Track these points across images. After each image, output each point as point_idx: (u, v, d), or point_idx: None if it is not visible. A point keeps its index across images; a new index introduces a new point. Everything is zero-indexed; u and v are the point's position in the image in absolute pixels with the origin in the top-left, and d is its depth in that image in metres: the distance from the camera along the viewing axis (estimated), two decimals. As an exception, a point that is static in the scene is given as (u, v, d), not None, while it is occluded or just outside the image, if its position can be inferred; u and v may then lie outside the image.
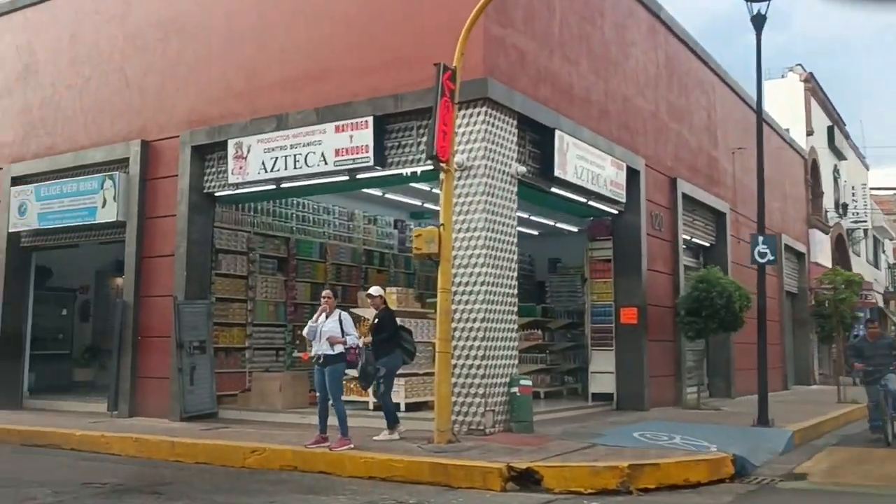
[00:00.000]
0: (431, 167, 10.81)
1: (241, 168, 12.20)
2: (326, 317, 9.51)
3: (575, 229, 18.72)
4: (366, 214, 16.77)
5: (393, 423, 9.93)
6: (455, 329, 10.05)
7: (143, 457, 10.11)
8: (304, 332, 9.71)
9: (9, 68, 15.51)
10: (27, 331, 15.00)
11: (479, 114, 10.52)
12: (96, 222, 13.58)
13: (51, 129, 14.70)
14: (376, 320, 10.06)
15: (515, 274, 11.02)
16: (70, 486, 8.16)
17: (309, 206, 15.31)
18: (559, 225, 17.66)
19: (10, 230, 14.67)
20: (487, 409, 10.09)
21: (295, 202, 14.98)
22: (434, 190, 15.41)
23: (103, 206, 13.46)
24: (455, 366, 9.94)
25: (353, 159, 11.23)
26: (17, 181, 14.79)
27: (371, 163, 11.11)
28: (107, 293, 18.10)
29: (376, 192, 15.72)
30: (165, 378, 12.46)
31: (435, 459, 8.41)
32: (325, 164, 11.45)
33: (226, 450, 9.60)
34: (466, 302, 10.31)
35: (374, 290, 10.31)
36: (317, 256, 15.29)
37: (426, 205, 17.13)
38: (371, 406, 11.65)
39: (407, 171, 11.17)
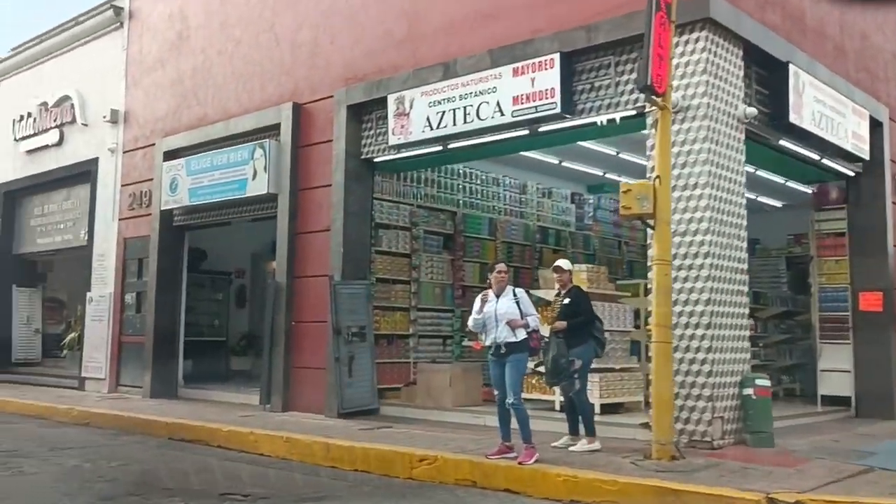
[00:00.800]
0: (632, 112, 8.76)
1: (402, 127, 10.51)
2: (497, 297, 7.62)
3: (778, 204, 15.99)
4: (539, 187, 14.78)
5: (592, 429, 7.91)
6: (672, 313, 7.87)
7: (294, 459, 8.62)
8: (471, 324, 7.82)
9: (161, 38, 14.66)
10: (181, 316, 14.09)
11: (697, 40, 8.28)
12: (247, 196, 12.36)
13: (202, 99, 13.68)
14: (567, 300, 8.05)
15: (745, 244, 8.68)
16: (206, 497, 6.73)
17: (477, 177, 13.50)
18: (760, 199, 15.03)
19: (162, 208, 13.78)
20: (716, 415, 7.86)
21: (462, 172, 13.21)
22: (621, 155, 13.34)
23: (254, 177, 12.21)
24: (673, 360, 7.77)
25: (536, 107, 9.26)
26: (169, 156, 13.89)
27: (557, 109, 9.11)
28: (263, 277, 17.03)
29: (552, 159, 13.78)
30: (321, 369, 11.01)
31: (661, 482, 6.33)
32: (501, 115, 9.55)
33: (389, 456, 7.91)
34: (686, 279, 8.10)
35: (564, 262, 8.32)
36: (486, 233, 13.46)
37: (608, 175, 14.99)
38: (557, 406, 9.70)
39: (602, 118, 9.08)
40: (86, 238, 15.89)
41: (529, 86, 9.29)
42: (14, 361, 17.97)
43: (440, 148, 10.49)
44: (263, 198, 12.23)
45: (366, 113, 11.31)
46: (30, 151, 17.48)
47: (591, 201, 15.82)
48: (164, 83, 14.47)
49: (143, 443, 9.93)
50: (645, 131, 8.57)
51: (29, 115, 17.52)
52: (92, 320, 15.15)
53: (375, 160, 11.33)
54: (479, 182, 13.49)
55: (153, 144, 14.36)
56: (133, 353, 14.25)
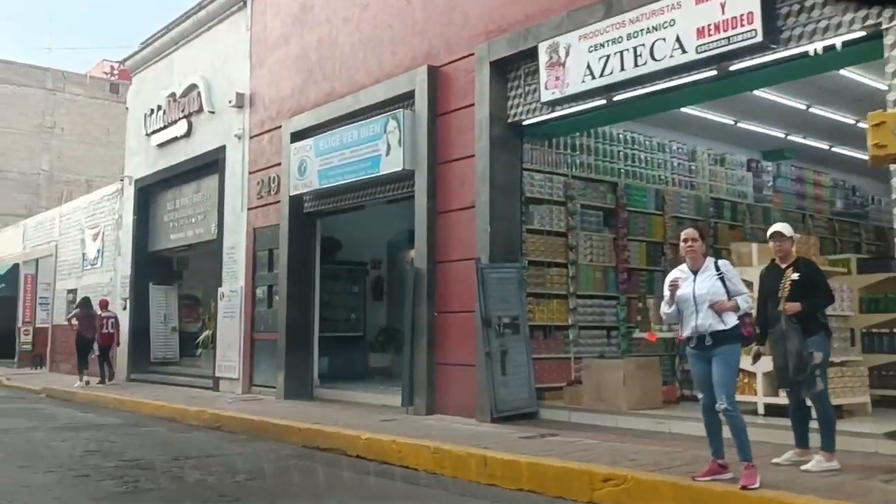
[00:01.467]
0: (859, 34, 6.79)
1: (557, 79, 8.88)
2: (694, 274, 5.89)
3: None
4: (710, 153, 12.78)
5: (832, 443, 6.05)
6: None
7: (444, 474, 7.19)
8: (664, 311, 6.10)
9: (285, 13, 13.64)
10: (315, 310, 13.02)
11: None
12: (380, 174, 11.08)
13: (328, 72, 12.53)
14: (795, 275, 6.19)
15: None
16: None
17: (640, 142, 11.69)
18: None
19: (291, 193, 12.74)
20: None
21: (622, 137, 11.44)
22: (812, 109, 11.24)
23: (387, 153, 10.91)
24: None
25: (728, 37, 7.42)
26: (296, 137, 12.84)
27: (758, 38, 7.23)
28: (401, 268, 15.81)
29: (725, 119, 11.83)
30: (469, 366, 9.55)
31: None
32: (682, 52, 7.77)
33: (563, 474, 6.34)
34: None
35: (785, 227, 6.46)
36: (652, 207, 11.64)
37: (790, 137, 12.84)
38: (760, 409, 7.84)
39: (817, 46, 7.14)
40: (216, 231, 15.16)
41: (719, 12, 7.47)
42: (153, 360, 17.58)
43: (603, 102, 8.79)
44: (399, 175, 10.92)
45: (511, 69, 9.76)
46: (160, 145, 17.00)
47: (769, 169, 13.65)
48: (289, 60, 13.44)
49: (275, 451, 8.79)
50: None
51: (159, 107, 17.05)
52: (224, 317, 14.36)
53: (524, 123, 9.76)
54: (642, 148, 11.67)
55: (279, 127, 13.37)
56: (266, 351, 13.33)
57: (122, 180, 18.61)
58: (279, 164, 13.26)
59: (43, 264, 24.16)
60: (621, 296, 10.98)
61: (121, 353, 18.00)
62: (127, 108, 18.81)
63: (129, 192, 18.23)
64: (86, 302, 17.38)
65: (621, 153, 11.40)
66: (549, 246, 10.34)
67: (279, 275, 13.04)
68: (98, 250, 19.76)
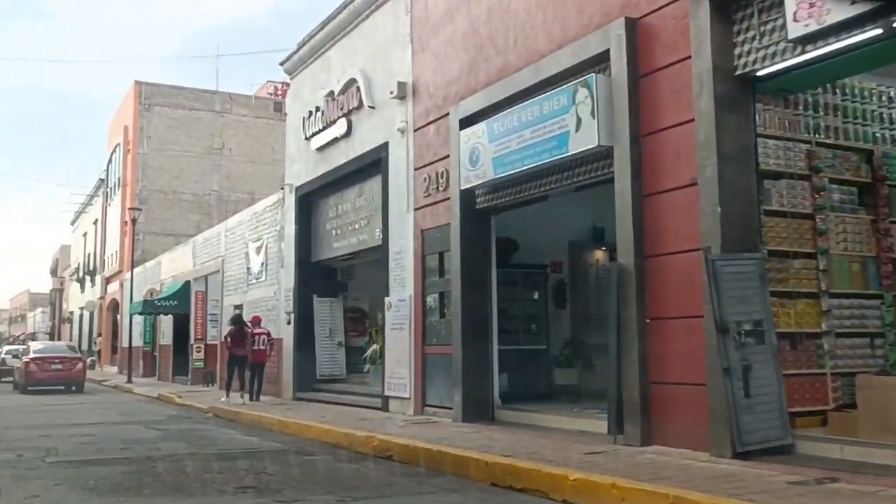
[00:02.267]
0: None
1: (812, 5, 6.74)
2: None
3: None
4: None
5: None
6: None
7: (693, 537, 5.26)
8: None
9: (449, -14, 12.16)
10: (493, 320, 11.35)
11: None
12: (569, 154, 9.26)
13: (502, 45, 10.88)
14: None
15: None
16: None
17: (898, 99, 9.23)
18: None
19: (462, 187, 11.17)
20: None
21: (877, 93, 9.02)
22: None
23: (577, 128, 9.08)
24: None
25: None
26: (465, 123, 11.26)
27: None
28: (584, 271, 13.98)
29: None
30: (698, 385, 7.53)
31: None
32: None
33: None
34: None
35: None
36: (919, 180, 9.13)
37: None
38: None
39: None
40: (380, 236, 13.86)
41: None
42: (318, 378, 16.54)
43: (879, 31, 6.56)
44: (592, 155, 9.08)
45: (739, 6, 7.69)
46: (320, 148, 15.99)
47: None
48: (455, 38, 11.92)
49: (459, 491, 7.16)
50: None
51: (317, 109, 16.06)
52: (392, 329, 12.99)
53: (758, 74, 7.65)
54: (901, 104, 9.20)
55: (446, 114, 11.86)
56: (439, 367, 11.80)
57: (282, 189, 17.80)
58: (447, 156, 11.74)
59: (211, 280, 24.02)
60: (886, 294, 8.57)
61: (286, 371, 17.13)
62: (285, 114, 18.01)
63: (290, 200, 17.38)
64: (237, 319, 17.04)
65: (876, 113, 8.98)
66: (792, 231, 8.12)
67: (451, 280, 11.49)
68: (262, 263, 19.10)
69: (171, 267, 27.95)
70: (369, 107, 14.14)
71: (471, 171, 10.91)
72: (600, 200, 11.91)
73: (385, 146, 13.61)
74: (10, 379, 27.96)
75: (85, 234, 50.15)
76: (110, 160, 43.02)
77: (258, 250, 19.35)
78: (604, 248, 13.97)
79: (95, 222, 46.04)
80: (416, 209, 12.62)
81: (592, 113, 8.85)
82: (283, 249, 17.70)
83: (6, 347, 35.70)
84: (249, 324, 17.03)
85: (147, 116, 37.85)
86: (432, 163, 12.23)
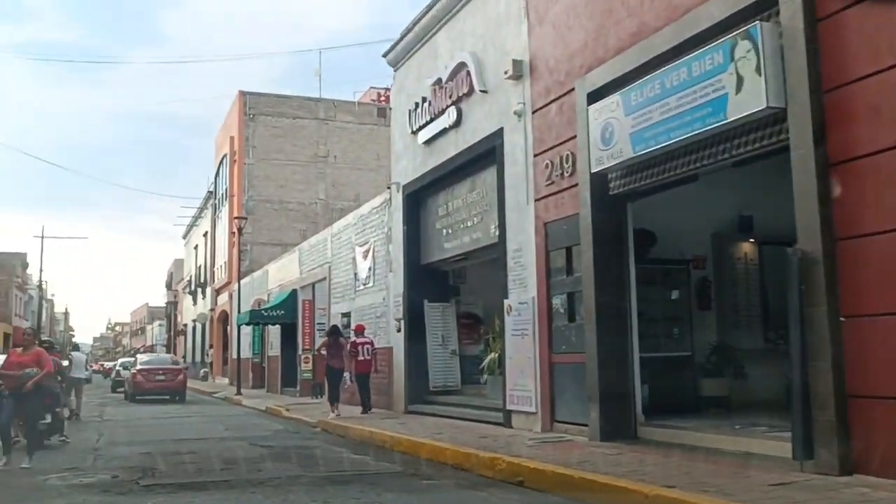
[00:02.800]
0: None
1: None
2: None
3: None
4: None
5: None
6: None
7: None
8: None
9: (569, -52, 10.78)
10: (633, 323, 9.86)
11: None
12: (727, 122, 7.72)
13: (635, 5, 9.42)
14: None
15: None
16: None
17: None
18: None
19: (592, 170, 9.74)
20: None
21: None
22: None
23: (737, 89, 7.53)
24: None
25: None
26: (594, 97, 9.84)
27: None
28: (731, 267, 12.30)
29: None
30: (920, 399, 5.88)
31: None
32: None
33: None
34: None
35: None
36: None
37: None
38: None
39: None
40: (496, 233, 12.59)
41: None
42: (432, 389, 15.37)
43: None
44: (757, 120, 7.52)
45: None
46: (428, 142, 14.86)
47: None
48: (578, 4, 10.53)
49: (616, 532, 5.76)
50: None
51: (423, 100, 14.95)
52: (513, 335, 11.65)
53: None
54: None
55: (571, 90, 10.47)
56: (570, 377, 10.40)
57: (388, 188, 16.77)
58: (573, 137, 10.35)
59: (318, 288, 23.32)
60: None
61: (397, 381, 16.04)
62: (390, 109, 17.00)
63: (398, 200, 16.32)
64: (334, 330, 16.58)
65: None
66: None
67: (582, 279, 10.07)
68: (369, 268, 18.13)
69: (278, 276, 27.49)
70: (481, 91, 12.90)
71: (603, 151, 9.47)
72: (748, 184, 10.39)
73: (499, 133, 12.34)
74: (123, 389, 29.56)
75: (196, 247, 51.02)
76: (217, 172, 43.45)
77: (365, 255, 18.40)
78: (752, 241, 12.27)
79: (205, 235, 46.65)
80: (536, 200, 11.27)
81: (758, 69, 7.30)
82: (391, 252, 16.66)
83: (120, 360, 37.27)
84: (353, 332, 16.57)
85: (252, 126, 37.88)
86: (555, 146, 10.86)
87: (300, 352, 23.61)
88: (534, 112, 11.45)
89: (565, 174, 10.57)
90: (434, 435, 11.09)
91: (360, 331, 16.48)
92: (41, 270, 48.27)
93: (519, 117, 11.77)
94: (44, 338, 23.39)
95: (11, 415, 10.55)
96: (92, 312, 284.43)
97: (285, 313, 24.67)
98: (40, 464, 10.24)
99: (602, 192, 9.84)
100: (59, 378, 13.66)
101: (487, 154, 12.82)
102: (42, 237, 47.08)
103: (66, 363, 16.53)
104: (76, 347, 20.07)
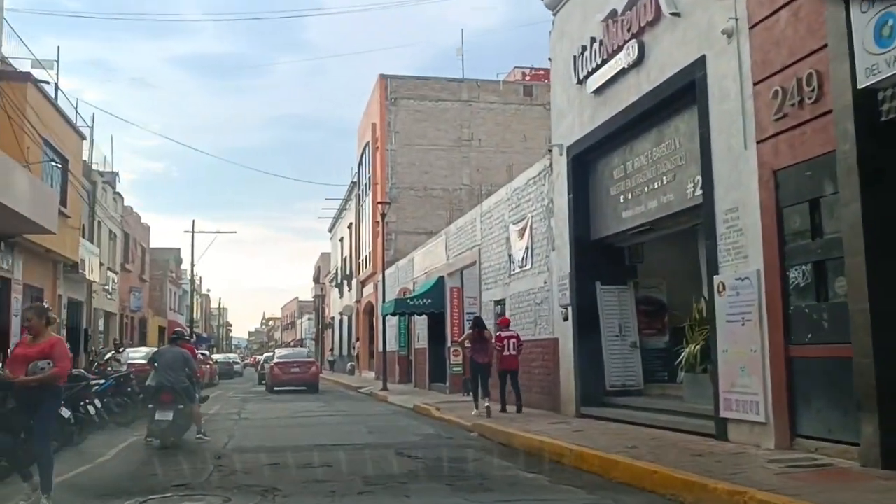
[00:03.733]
0: None
1: None
2: None
3: None
4: None
5: None
6: None
7: None
8: None
9: None
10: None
11: None
12: None
13: None
14: None
15: None
16: None
17: None
18: None
19: (859, 86, 6.91)
20: None
21: None
22: None
23: None
24: None
25: None
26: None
27: None
28: None
29: None
30: None
31: None
32: None
33: None
34: None
35: None
36: None
37: None
38: None
39: None
40: (697, 192, 9.90)
41: None
42: (609, 389, 12.82)
43: None
44: None
45: None
46: (598, 90, 12.30)
47: None
48: None
49: None
50: None
51: (592, 40, 12.39)
52: (728, 321, 8.92)
53: None
54: None
55: (812, -14, 7.67)
56: (820, 377, 7.63)
57: (549, 151, 14.28)
58: (819, 48, 7.55)
59: (467, 274, 21.18)
60: None
61: (564, 379, 13.58)
62: (549, 61, 14.56)
63: (561, 165, 13.83)
64: (477, 322, 15.04)
65: None
66: None
67: (843, 241, 7.24)
68: (525, 248, 15.74)
69: (424, 263, 25.56)
70: (671, 14, 10.22)
71: (879, 56, 6.64)
72: None
73: (700, 63, 9.63)
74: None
75: (341, 240, 50.36)
76: (360, 161, 42.33)
77: (521, 233, 16.03)
78: None
79: (350, 226, 45.75)
80: (759, 142, 8.51)
81: None
82: (554, 228, 14.20)
83: (265, 355, 39.30)
84: (498, 326, 15.25)
85: (393, 111, 36.32)
86: (787, 67, 8.07)
87: (449, 344, 21.54)
88: (752, 27, 8.69)
89: (806, 101, 7.77)
90: (627, 449, 8.58)
91: (504, 324, 15.02)
92: (192, 265, 48.90)
93: (729, 38, 9.04)
94: (176, 329, 22.51)
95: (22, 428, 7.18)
96: (248, 308, 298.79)
97: (432, 302, 22.65)
98: (147, 478, 8.54)
99: (872, 117, 6.99)
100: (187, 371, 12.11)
101: (682, 93, 10.15)
102: (192, 232, 47.62)
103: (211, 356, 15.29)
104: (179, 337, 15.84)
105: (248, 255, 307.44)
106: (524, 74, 43.08)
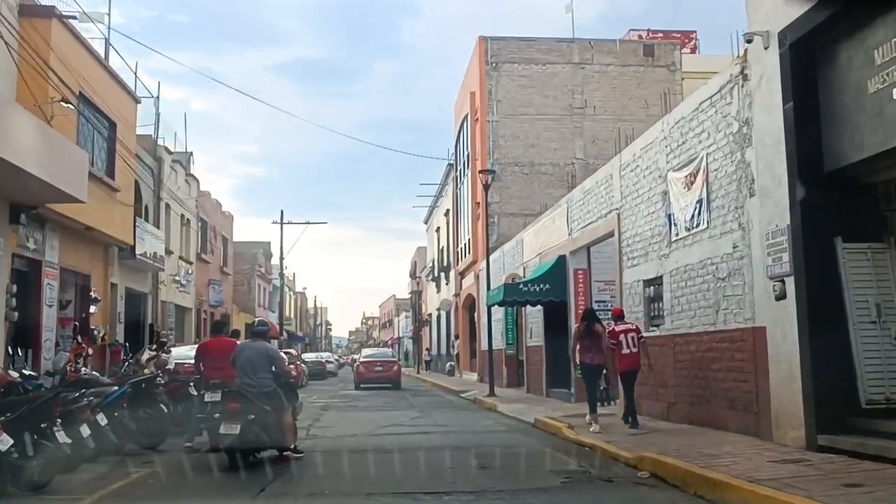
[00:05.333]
0: None
1: None
2: None
3: None
4: None
5: None
6: None
7: None
8: None
9: None
10: None
11: None
12: None
13: None
14: None
15: None
16: None
17: None
18: None
19: None
20: None
21: None
22: None
23: None
24: None
25: None
26: None
27: None
28: None
29: None
30: None
31: None
32: None
33: None
34: None
35: None
36: None
37: None
38: None
39: None
40: None
41: None
42: (865, 407, 8.01)
43: None
44: None
45: None
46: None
47: None
48: None
49: None
50: None
51: None
52: None
53: None
54: None
55: None
56: None
57: (748, 42, 9.48)
58: None
59: (598, 252, 16.64)
60: None
61: (780, 389, 8.83)
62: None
63: (767, 63, 9.09)
64: (588, 314, 12.69)
65: None
66: None
67: None
68: (697, 202, 11.08)
69: (537, 242, 20.99)
70: None
71: None
72: None
73: None
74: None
75: (437, 230, 46.34)
76: (457, 139, 38.12)
77: (688, 182, 11.37)
78: None
79: (447, 213, 41.65)
80: None
81: None
82: (754, 163, 9.49)
83: (357, 355, 40.79)
84: (612, 318, 12.64)
85: (495, 77, 31.88)
86: None
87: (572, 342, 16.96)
88: None
89: None
90: None
91: (618, 314, 12.54)
92: (282, 257, 45.57)
93: None
94: (258, 320, 18.54)
95: None
96: (349, 308, 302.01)
97: (550, 288, 18.11)
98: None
99: None
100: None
101: None
102: (281, 223, 44.37)
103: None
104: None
105: (348, 255, 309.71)
106: (641, 37, 38.17)
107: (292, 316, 65.19)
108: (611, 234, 14.96)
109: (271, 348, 10.09)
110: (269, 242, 52.50)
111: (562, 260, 18.05)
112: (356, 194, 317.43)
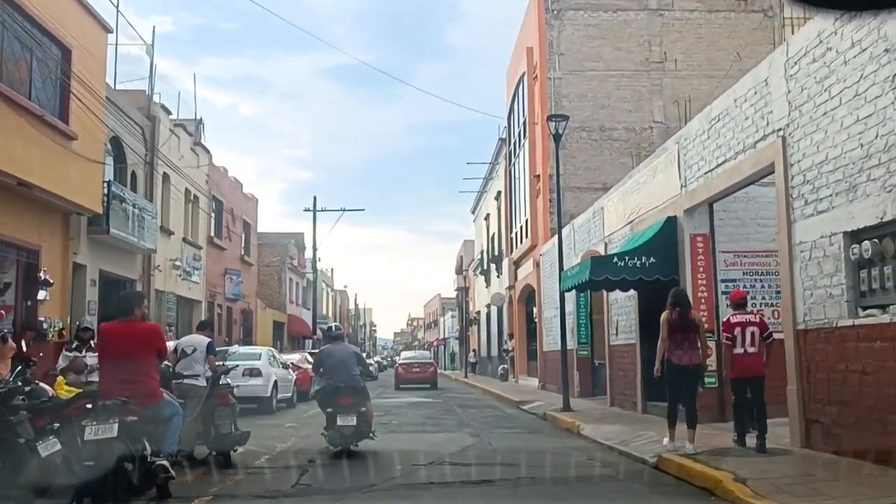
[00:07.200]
0: None
1: None
2: None
3: None
4: None
5: None
6: None
7: None
8: None
9: None
10: None
11: None
12: None
13: None
14: None
15: None
16: None
17: None
18: None
19: None
20: None
21: None
22: None
23: None
24: None
25: None
26: None
27: None
28: None
29: None
30: None
31: None
32: None
33: None
34: None
35: None
36: None
37: None
38: None
39: None
40: None
41: None
42: None
43: None
44: None
45: None
46: None
47: None
48: None
49: None
50: None
51: None
52: None
53: None
54: None
55: None
56: None
57: None
58: None
59: (734, 207, 11.55)
60: None
61: None
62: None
63: None
64: (679, 297, 9.35)
65: None
66: None
67: None
68: None
69: (626, 207, 15.85)
70: None
71: None
72: None
73: None
74: (398, 380, 30.94)
75: (487, 217, 41.41)
76: (510, 109, 33.15)
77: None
78: None
79: (497, 196, 36.69)
80: None
81: None
82: None
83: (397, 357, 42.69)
84: (730, 304, 9.87)
85: (557, 27, 26.85)
86: None
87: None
88: None
89: None
90: None
91: (737, 300, 9.56)
92: (314, 248, 40.98)
93: None
94: (332, 324, 13.94)
95: None
96: (394, 310, 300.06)
97: (655, 262, 12.99)
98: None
99: None
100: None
101: None
102: (314, 210, 39.83)
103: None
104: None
105: (394, 258, 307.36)
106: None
107: (329, 314, 60.63)
108: (767, 171, 9.85)
109: (357, 350, 11.29)
110: (303, 233, 48.03)
111: (671, 223, 12.93)
112: (404, 197, 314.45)
